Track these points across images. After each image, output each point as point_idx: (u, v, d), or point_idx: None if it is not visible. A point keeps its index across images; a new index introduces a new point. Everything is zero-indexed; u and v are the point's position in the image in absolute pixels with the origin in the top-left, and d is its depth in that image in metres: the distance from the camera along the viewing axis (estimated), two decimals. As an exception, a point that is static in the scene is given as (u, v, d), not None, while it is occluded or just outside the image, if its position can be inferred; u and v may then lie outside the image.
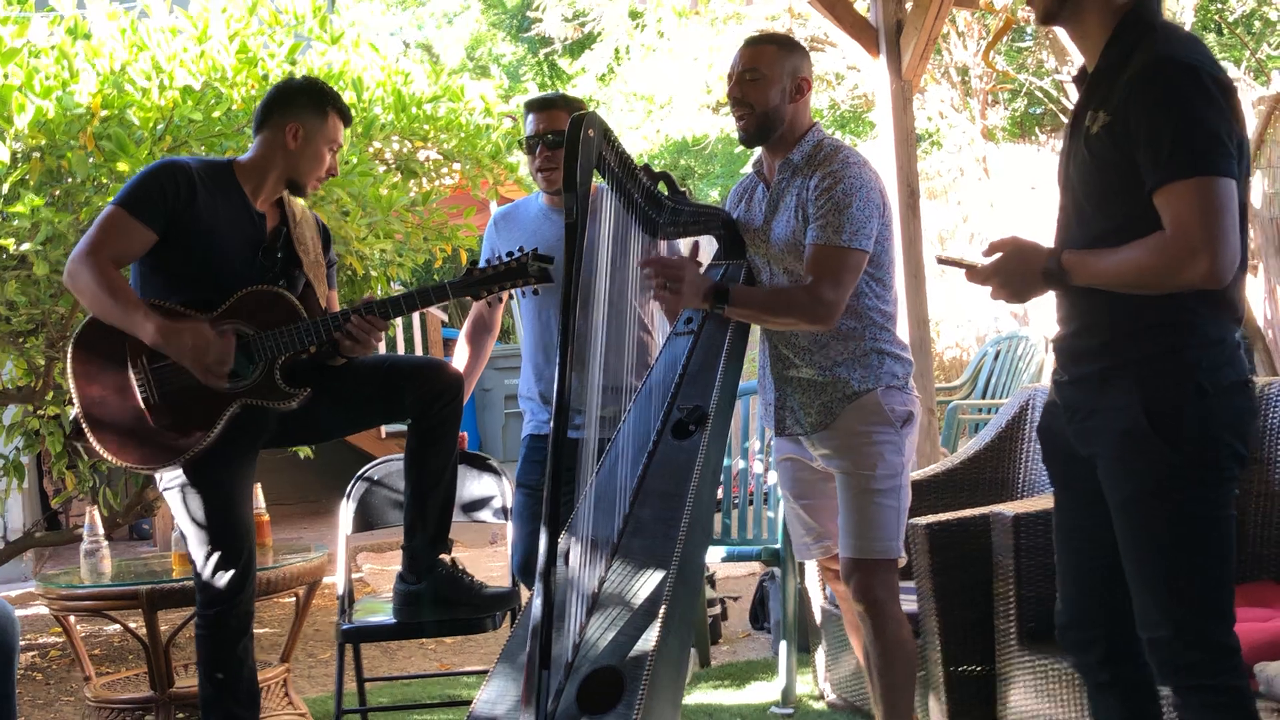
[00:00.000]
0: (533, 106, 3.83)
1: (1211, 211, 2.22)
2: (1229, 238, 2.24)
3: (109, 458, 3.25)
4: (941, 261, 2.83)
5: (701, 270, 3.43)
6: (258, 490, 4.17)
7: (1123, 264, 2.32)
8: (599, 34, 13.48)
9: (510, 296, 3.86)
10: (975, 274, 2.51)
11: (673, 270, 3.06)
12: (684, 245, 3.63)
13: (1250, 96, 7.34)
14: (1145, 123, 2.28)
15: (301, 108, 3.37)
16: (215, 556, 3.29)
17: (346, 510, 4.26)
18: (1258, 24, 11.95)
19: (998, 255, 2.46)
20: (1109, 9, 2.42)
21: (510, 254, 3.30)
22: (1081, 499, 2.55)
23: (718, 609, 5.66)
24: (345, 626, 3.87)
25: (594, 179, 2.70)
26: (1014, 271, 2.44)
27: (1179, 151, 2.24)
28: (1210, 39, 12.46)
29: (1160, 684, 2.45)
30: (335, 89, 3.52)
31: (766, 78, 3.19)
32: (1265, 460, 3.46)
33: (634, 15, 12.29)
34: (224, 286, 3.28)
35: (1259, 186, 6.87)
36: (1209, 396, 2.32)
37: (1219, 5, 11.44)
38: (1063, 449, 2.59)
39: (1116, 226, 2.36)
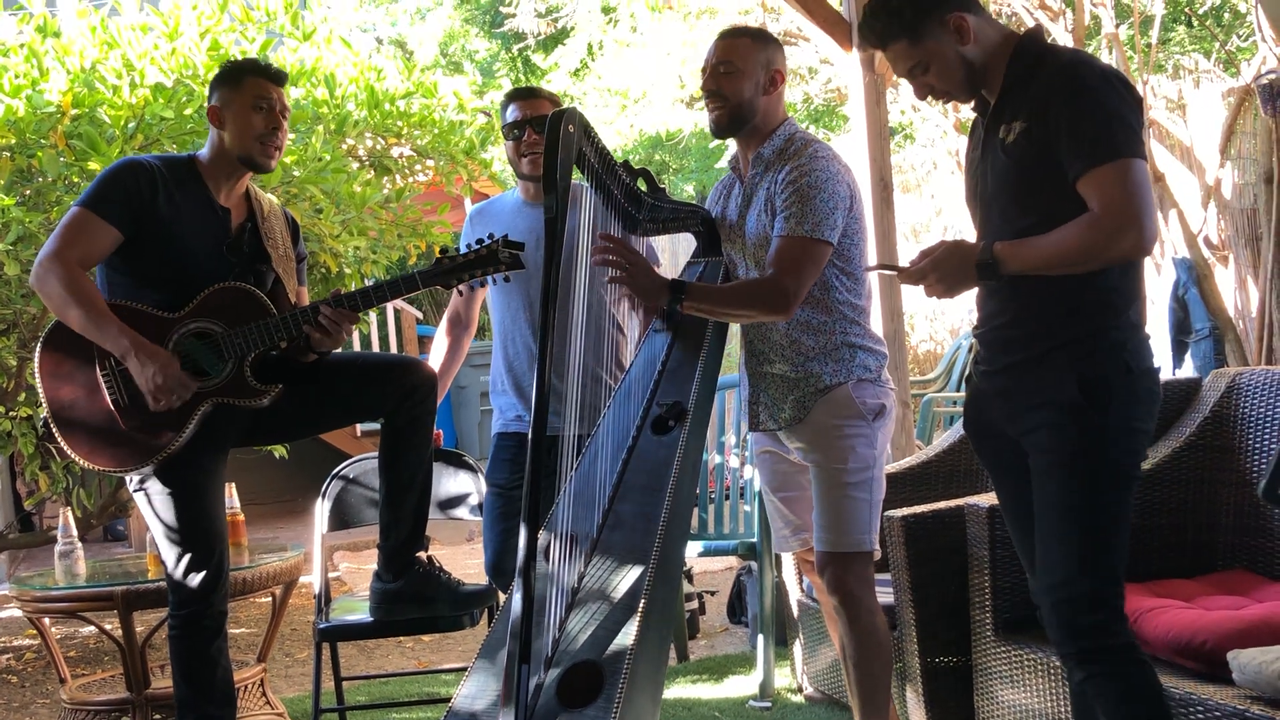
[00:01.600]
0: (515, 95, 3.84)
1: (1136, 189, 2.44)
2: (1153, 211, 2.46)
3: (79, 459, 3.23)
4: (871, 269, 3.11)
5: (681, 267, 3.43)
6: (232, 489, 4.15)
7: (1057, 244, 2.50)
8: (572, 29, 13.45)
9: (484, 286, 3.85)
10: (908, 275, 2.66)
11: (628, 255, 3.04)
12: (660, 244, 3.63)
13: (1220, 88, 7.39)
14: (1066, 118, 2.49)
15: (216, 89, 3.35)
16: (187, 557, 3.27)
17: (322, 509, 4.24)
18: (1227, 16, 12.02)
19: (930, 257, 2.61)
20: (1006, 47, 2.65)
21: (480, 241, 3.28)
22: (1022, 480, 2.68)
23: (695, 603, 5.67)
24: (322, 625, 3.86)
25: (573, 175, 2.69)
26: (948, 267, 2.59)
27: (1101, 139, 2.46)
28: (1180, 31, 12.54)
29: (1061, 648, 2.56)
30: (265, 60, 3.48)
31: (740, 70, 3.19)
32: (1236, 450, 3.49)
33: (606, 10, 12.27)
34: (191, 283, 3.25)
35: (1229, 177, 6.92)
36: (1132, 374, 2.55)
37: (1188, -2, 11.51)
38: (992, 436, 2.77)
39: (1039, 219, 2.54)
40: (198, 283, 3.26)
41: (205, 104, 4.93)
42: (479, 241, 3.27)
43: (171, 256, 3.26)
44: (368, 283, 5.85)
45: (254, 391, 3.28)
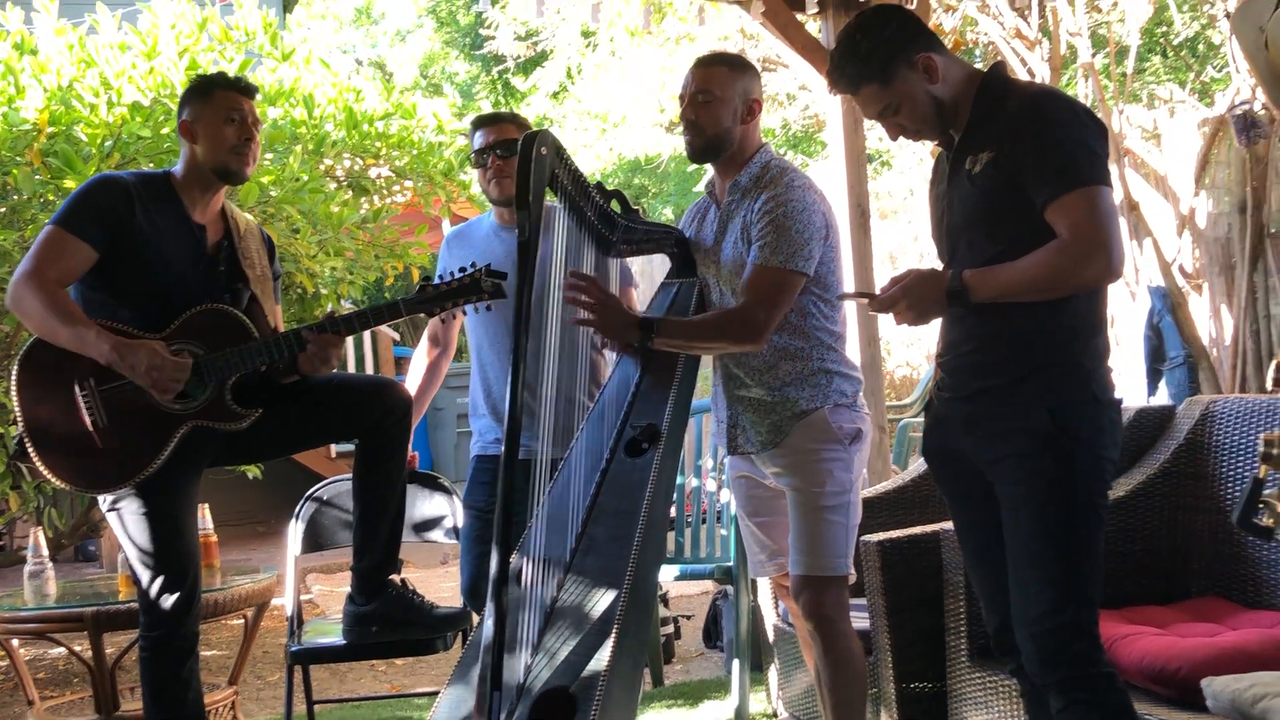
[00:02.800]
0: (480, 122, 3.85)
1: (1103, 215, 2.47)
2: (1119, 237, 2.49)
3: (55, 480, 3.20)
4: (843, 298, 3.16)
5: (655, 289, 3.44)
6: (205, 511, 4.12)
7: (1026, 271, 2.52)
8: (551, 52, 13.49)
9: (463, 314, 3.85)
10: (879, 303, 2.67)
11: (598, 294, 3.04)
12: (635, 265, 3.63)
13: (1195, 118, 7.44)
14: (1032, 148, 2.52)
15: (186, 105, 3.34)
16: (160, 579, 3.24)
17: (295, 531, 4.21)
18: (1201, 47, 12.14)
19: (900, 285, 2.63)
20: (971, 83, 2.69)
21: (463, 269, 3.29)
22: (982, 508, 2.71)
23: (671, 628, 5.65)
24: (294, 648, 3.83)
25: (546, 197, 2.70)
26: (918, 294, 2.61)
27: (1067, 168, 2.49)
28: (1155, 61, 12.65)
29: (1041, 677, 2.57)
30: (234, 75, 3.49)
31: (718, 99, 3.20)
32: (1210, 477, 3.50)
33: (586, 34, 12.31)
34: (168, 302, 3.24)
35: (1203, 206, 6.96)
36: (1099, 404, 2.59)
37: (1163, 29, 11.61)
38: (953, 463, 2.78)
39: (1005, 248, 2.56)
40: (174, 300, 3.25)
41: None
42: (462, 270, 3.28)
43: (147, 274, 3.24)
44: (344, 303, 5.84)
45: (233, 415, 3.26)
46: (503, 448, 2.49)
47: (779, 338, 3.19)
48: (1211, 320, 6.90)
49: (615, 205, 3.16)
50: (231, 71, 5.36)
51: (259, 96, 3.53)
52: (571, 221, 2.99)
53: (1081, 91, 8.04)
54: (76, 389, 3.17)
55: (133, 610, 3.70)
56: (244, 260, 3.38)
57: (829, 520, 3.18)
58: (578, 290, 3.02)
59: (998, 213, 2.59)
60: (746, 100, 3.23)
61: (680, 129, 3.32)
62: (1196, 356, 6.69)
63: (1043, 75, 7.73)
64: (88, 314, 3.23)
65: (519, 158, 2.60)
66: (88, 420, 3.17)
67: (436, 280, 3.33)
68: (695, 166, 13.20)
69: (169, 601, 3.24)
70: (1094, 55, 7.96)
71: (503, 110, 4.04)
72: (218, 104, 3.30)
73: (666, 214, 16.32)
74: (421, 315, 3.38)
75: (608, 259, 3.36)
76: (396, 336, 11.76)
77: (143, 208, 3.24)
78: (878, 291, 2.71)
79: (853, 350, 3.43)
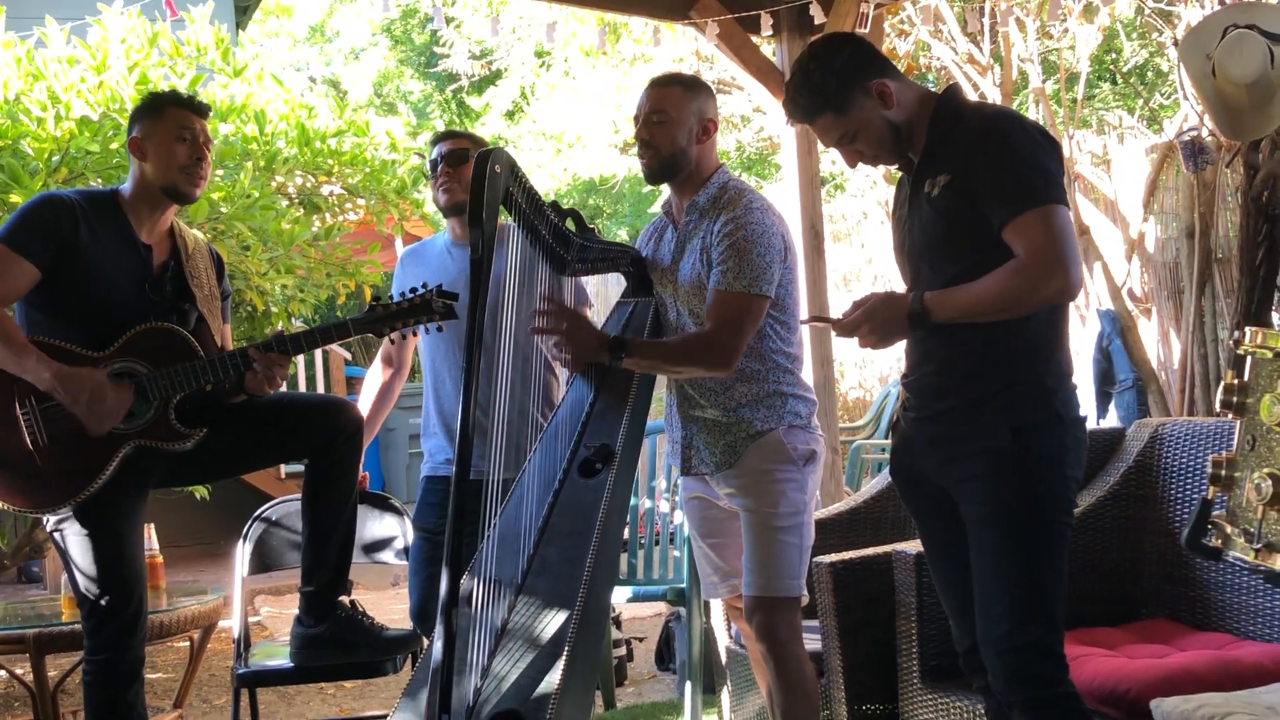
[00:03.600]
0: (439, 137, 3.88)
1: (1060, 234, 2.48)
2: (1078, 255, 2.52)
3: None
4: (805, 322, 3.18)
5: (610, 308, 3.43)
6: (151, 531, 4.06)
7: (985, 290, 2.53)
8: (505, 71, 13.48)
9: (415, 334, 3.83)
10: (842, 326, 2.68)
11: (571, 320, 3.06)
12: (590, 285, 3.63)
13: (1144, 144, 7.54)
14: (989, 170, 2.55)
15: (137, 121, 3.30)
16: (105, 600, 3.19)
17: (243, 551, 4.16)
18: (1150, 74, 12.30)
19: (863, 308, 2.64)
20: (926, 106, 2.71)
21: (414, 290, 3.26)
22: (949, 527, 2.72)
23: (623, 650, 5.62)
24: (241, 670, 3.78)
25: (501, 216, 2.68)
26: (881, 316, 2.62)
27: (1024, 187, 2.51)
28: (1105, 88, 12.81)
29: (1006, 695, 2.58)
30: (186, 93, 3.45)
31: (673, 119, 3.20)
32: (1159, 499, 3.53)
33: (540, 54, 12.31)
34: (112, 321, 3.19)
35: (1152, 231, 7.05)
36: (1063, 423, 2.59)
37: (1113, 56, 11.77)
38: (920, 483, 2.79)
39: (966, 269, 2.57)
40: (119, 320, 3.20)
41: (130, 137, 4.88)
42: (413, 290, 3.25)
43: (91, 293, 3.19)
44: (295, 322, 5.79)
45: (177, 435, 3.21)
46: (454, 468, 2.47)
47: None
48: (1160, 344, 6.98)
49: (570, 224, 3.15)
50: (182, 87, 5.32)
51: (211, 114, 3.49)
52: (526, 240, 2.98)
53: (1032, 117, 8.11)
54: (16, 408, 3.11)
55: (76, 632, 3.64)
56: (192, 280, 3.34)
57: (782, 541, 3.18)
58: (548, 315, 3.03)
59: (957, 234, 2.61)
60: (702, 120, 3.23)
61: (635, 150, 3.32)
62: (1145, 380, 6.76)
63: (994, 100, 7.81)
64: (30, 331, 3.18)
65: (473, 176, 2.58)
66: (28, 440, 3.11)
67: (387, 300, 3.30)
68: (650, 187, 13.24)
69: (113, 623, 3.18)
70: (1045, 81, 8.05)
71: (460, 130, 4.06)
72: (169, 122, 3.26)
73: (621, 234, 16.33)
74: (373, 335, 3.36)
75: (563, 278, 3.35)
76: (348, 356, 11.69)
77: (88, 227, 3.19)
78: (837, 315, 2.73)
79: (806, 371, 3.43)
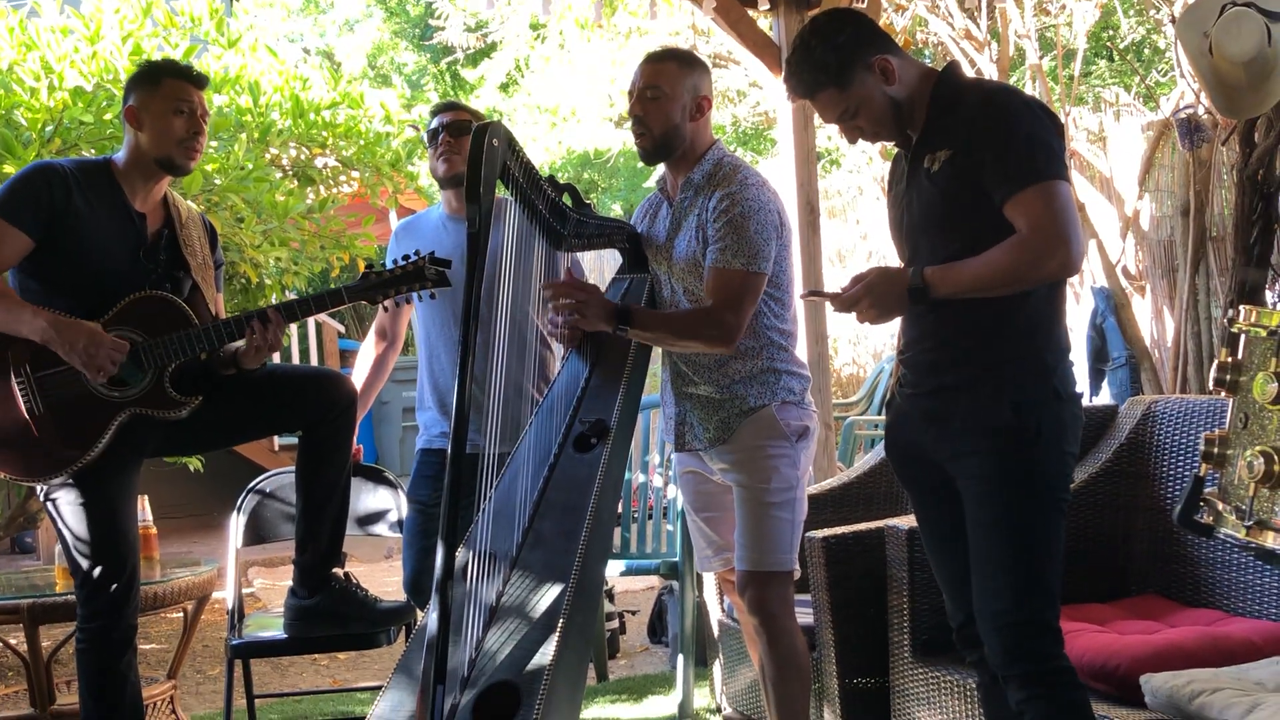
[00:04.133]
0: (440, 108, 3.87)
1: (1061, 209, 2.48)
2: (1078, 231, 2.52)
3: None
4: (805, 297, 3.01)
5: (606, 284, 3.43)
6: (145, 502, 4.06)
7: (986, 266, 2.52)
8: (500, 44, 13.42)
9: (409, 304, 3.83)
10: (841, 301, 2.67)
11: (581, 292, 3.06)
12: (586, 260, 3.62)
13: (1140, 121, 7.53)
14: (990, 145, 2.54)
15: (133, 90, 3.28)
16: (98, 569, 3.19)
17: (237, 523, 4.17)
18: (1147, 51, 12.28)
19: (862, 283, 2.63)
20: (926, 82, 2.70)
21: (406, 257, 3.26)
22: (944, 503, 2.72)
23: (616, 623, 5.64)
24: (235, 642, 3.79)
25: (498, 190, 2.68)
26: (881, 291, 2.61)
27: (1025, 163, 2.50)
28: (1102, 65, 12.79)
29: (1004, 670, 2.59)
30: (184, 63, 3.41)
31: (667, 95, 3.18)
32: (1151, 476, 3.54)
33: (535, 27, 12.25)
34: (106, 291, 3.19)
35: (1147, 209, 7.04)
36: (1061, 399, 2.59)
37: (1110, 33, 11.74)
38: (915, 459, 2.79)
39: (965, 245, 2.56)
40: (113, 290, 3.20)
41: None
42: (405, 258, 3.25)
43: (85, 263, 3.19)
44: (289, 294, 5.79)
45: (173, 403, 3.21)
46: (449, 441, 2.47)
47: (730, 338, 3.19)
48: (1154, 321, 6.99)
49: (567, 199, 3.14)
50: (176, 58, 5.29)
51: (208, 85, 3.48)
52: (523, 214, 2.97)
53: (1029, 93, 8.10)
54: (12, 376, 3.11)
55: (70, 603, 3.65)
56: (185, 248, 3.33)
57: (775, 516, 3.19)
58: (559, 295, 3.05)
59: (957, 210, 2.60)
60: (696, 97, 3.22)
61: (630, 125, 3.31)
62: (1139, 357, 6.77)
63: (991, 76, 7.79)
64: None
65: (470, 149, 2.58)
66: (24, 408, 3.11)
67: (380, 268, 3.29)
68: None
69: (106, 592, 3.19)
70: (1041, 58, 8.02)
71: (460, 103, 4.04)
72: (166, 93, 3.24)
73: (616, 209, 16.29)
74: (367, 307, 3.35)
75: (559, 253, 3.35)
76: (341, 329, 11.67)
77: (81, 196, 3.18)
78: (834, 290, 2.71)
79: (800, 348, 3.43)
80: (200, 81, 3.32)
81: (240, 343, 3.26)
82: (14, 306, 3.08)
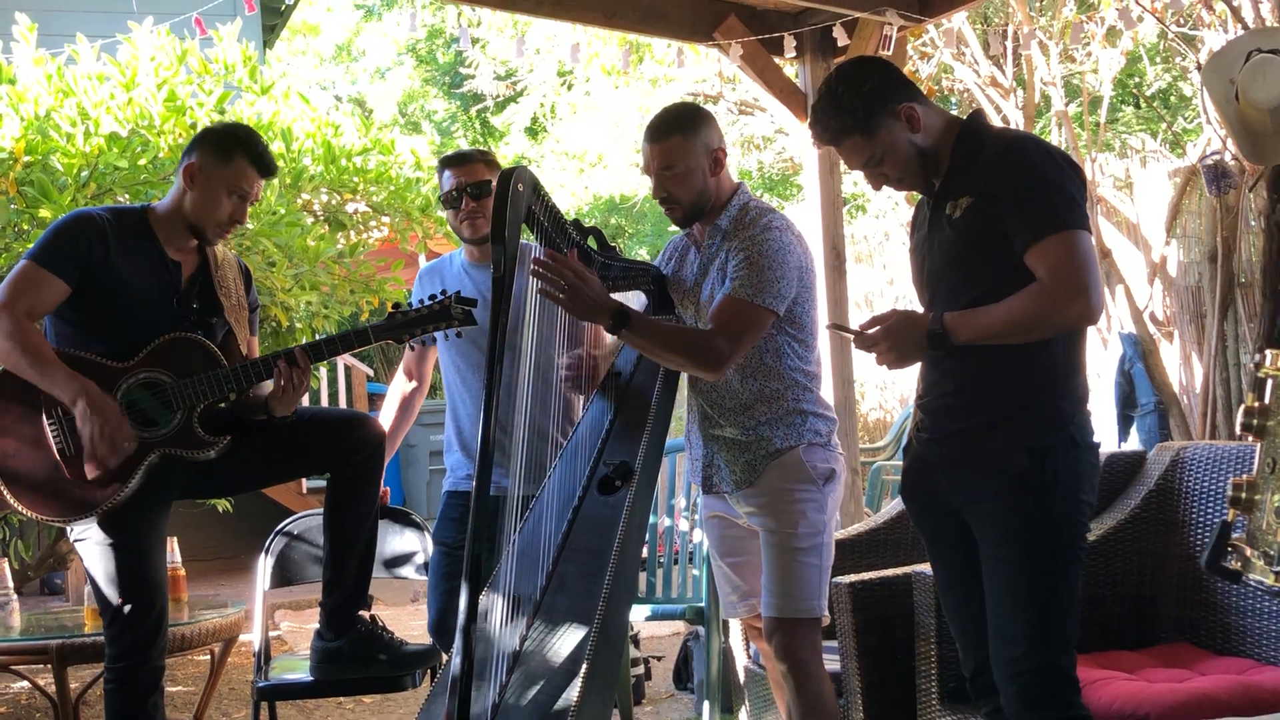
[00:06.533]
0: (449, 162, 3.81)
1: (1082, 258, 2.51)
2: (1099, 280, 2.54)
3: (23, 510, 3.17)
4: (831, 328, 3.00)
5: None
6: (173, 544, 4.09)
7: (1006, 313, 2.54)
8: (528, 90, 13.55)
9: (435, 348, 3.85)
10: (863, 340, 2.68)
11: (574, 275, 2.93)
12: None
13: (1166, 168, 7.52)
14: (1013, 192, 2.55)
15: (204, 149, 3.28)
16: (127, 609, 3.21)
17: (265, 565, 4.18)
18: (1173, 98, 12.29)
19: (883, 325, 2.64)
20: (950, 131, 2.73)
21: (433, 296, 3.28)
22: (960, 549, 2.72)
23: (641, 668, 5.61)
24: (261, 684, 3.79)
25: (522, 234, 2.70)
26: (900, 335, 2.62)
27: (1046, 212, 2.53)
28: (1128, 111, 12.80)
29: (1018, 719, 2.58)
30: (263, 138, 3.39)
31: (686, 169, 3.18)
32: (1181, 523, 3.52)
33: (562, 74, 12.36)
34: (140, 336, 3.21)
35: (1174, 255, 7.02)
36: (1078, 447, 2.59)
37: (1136, 80, 11.76)
38: (932, 505, 2.79)
39: (986, 292, 2.58)
40: (147, 335, 3.23)
41: (158, 154, 4.93)
42: (431, 297, 3.27)
43: (121, 310, 3.22)
44: (319, 338, 5.82)
45: (202, 443, 3.23)
46: (474, 484, 2.48)
47: (754, 382, 3.19)
48: (1182, 367, 6.95)
49: (592, 242, 3.16)
50: (210, 104, 5.37)
51: (275, 175, 3.49)
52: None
53: (1055, 140, 8.12)
54: (44, 418, 3.14)
55: (98, 644, 3.66)
56: (220, 290, 3.37)
57: (802, 562, 3.17)
58: (548, 270, 2.91)
59: (978, 257, 2.62)
60: (710, 154, 3.21)
61: (657, 200, 3.30)
62: (1167, 403, 6.73)
63: (1017, 123, 7.81)
64: (58, 343, 3.22)
65: (495, 194, 2.60)
66: (55, 449, 3.14)
67: (406, 307, 3.31)
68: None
69: (135, 632, 3.21)
70: (1068, 104, 8.05)
71: (471, 149, 3.96)
72: (232, 172, 3.25)
73: (642, 254, 16.36)
74: (396, 349, 3.37)
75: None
76: (370, 372, 11.73)
77: (117, 245, 3.22)
78: (857, 327, 2.72)
79: (827, 391, 3.44)
80: (268, 171, 3.33)
81: (269, 384, 3.29)
82: (50, 367, 3.10)
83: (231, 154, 3.27)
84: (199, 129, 5.08)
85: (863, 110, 2.68)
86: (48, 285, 3.15)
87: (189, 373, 3.21)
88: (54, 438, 3.14)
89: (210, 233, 3.30)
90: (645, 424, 3.14)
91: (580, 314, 3.03)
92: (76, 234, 3.21)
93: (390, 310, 3.31)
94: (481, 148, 4.03)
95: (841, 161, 3.68)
